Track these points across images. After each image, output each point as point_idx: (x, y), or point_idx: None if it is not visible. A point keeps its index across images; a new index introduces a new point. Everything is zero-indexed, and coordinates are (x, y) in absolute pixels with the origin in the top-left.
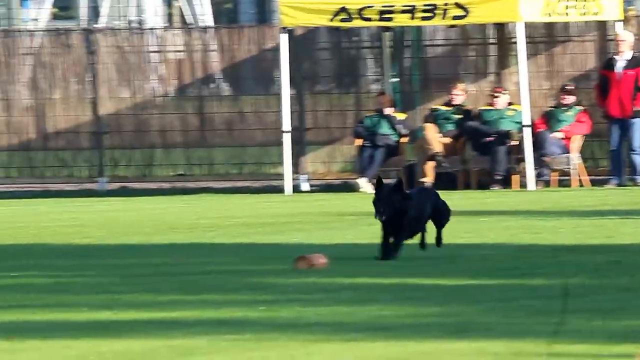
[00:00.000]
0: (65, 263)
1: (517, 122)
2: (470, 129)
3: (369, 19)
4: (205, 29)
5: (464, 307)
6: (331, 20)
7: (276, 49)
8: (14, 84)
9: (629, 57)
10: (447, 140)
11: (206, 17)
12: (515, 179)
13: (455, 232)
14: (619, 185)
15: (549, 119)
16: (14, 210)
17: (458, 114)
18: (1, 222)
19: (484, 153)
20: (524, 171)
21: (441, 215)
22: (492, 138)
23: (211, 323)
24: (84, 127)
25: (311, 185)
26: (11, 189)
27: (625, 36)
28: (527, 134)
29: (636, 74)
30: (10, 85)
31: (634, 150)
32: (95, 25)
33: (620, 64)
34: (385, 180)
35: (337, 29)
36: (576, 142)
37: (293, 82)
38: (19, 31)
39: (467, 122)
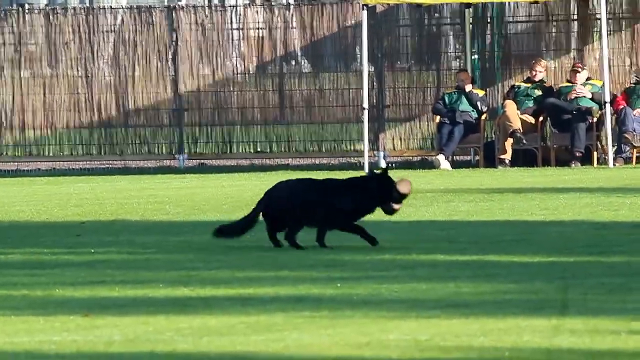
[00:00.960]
0: (143, 239)
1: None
2: (550, 105)
3: None
4: (286, 5)
5: (542, 285)
6: None
7: (357, 26)
8: (95, 61)
9: None
10: (527, 117)
11: None
12: (595, 155)
13: (535, 210)
14: None
15: (630, 95)
16: (93, 186)
17: (539, 91)
18: (81, 198)
19: (563, 130)
20: (604, 148)
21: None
22: (572, 115)
23: (287, 300)
24: (164, 105)
25: (389, 162)
26: (91, 166)
27: None
28: (608, 110)
29: None
30: (91, 62)
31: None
32: (177, 2)
33: None
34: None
35: (418, 5)
36: None
37: (373, 59)
38: (102, 8)
39: (547, 98)
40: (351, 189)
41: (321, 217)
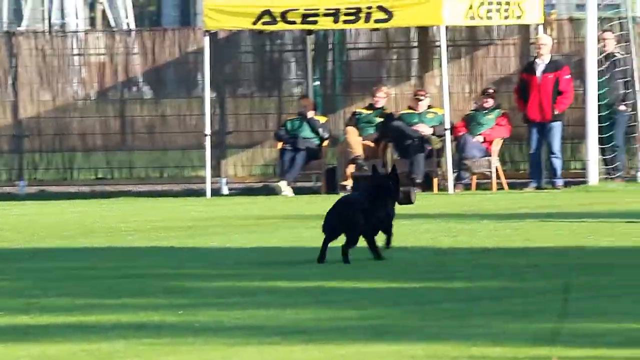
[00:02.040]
0: None
1: (436, 126)
2: (395, 128)
3: (292, 22)
4: (127, 31)
5: (384, 310)
6: (254, 23)
7: (199, 52)
8: None
9: (549, 61)
10: (369, 143)
11: (129, 20)
12: (435, 181)
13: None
14: (538, 188)
15: (470, 122)
16: None
17: (380, 117)
18: None
19: (404, 156)
20: (444, 174)
21: None
22: (413, 141)
23: (129, 327)
24: (4, 131)
25: (231, 189)
26: None
27: (545, 40)
28: (448, 137)
29: (556, 78)
30: None
31: (553, 154)
32: (16, 28)
33: (540, 67)
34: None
35: (260, 32)
36: (496, 146)
37: (215, 86)
38: None
39: (392, 122)
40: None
41: None
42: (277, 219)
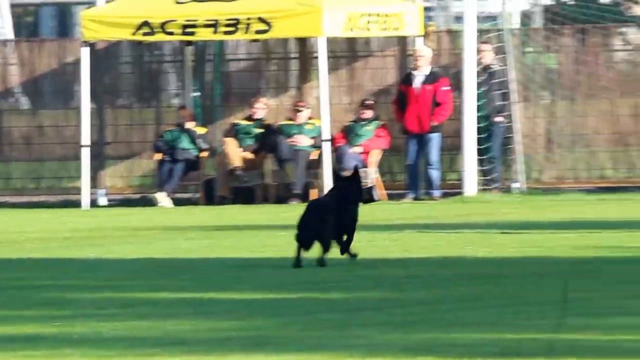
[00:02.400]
0: None
1: (315, 137)
2: (273, 142)
3: (171, 33)
4: (5, 42)
5: (263, 321)
6: (133, 34)
7: (77, 63)
8: None
9: (428, 73)
10: (248, 154)
11: (6, 31)
12: (314, 192)
13: (254, 247)
14: (416, 199)
15: (348, 133)
16: None
17: (259, 129)
18: None
19: (283, 167)
20: (322, 185)
21: None
22: (292, 153)
23: (3, 339)
24: None
25: (109, 200)
26: None
27: (424, 51)
28: (327, 148)
29: (434, 90)
30: None
31: (430, 165)
32: None
33: (418, 79)
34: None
35: (139, 42)
36: (374, 157)
37: (94, 96)
38: None
39: (271, 136)
40: None
41: None
42: (156, 230)
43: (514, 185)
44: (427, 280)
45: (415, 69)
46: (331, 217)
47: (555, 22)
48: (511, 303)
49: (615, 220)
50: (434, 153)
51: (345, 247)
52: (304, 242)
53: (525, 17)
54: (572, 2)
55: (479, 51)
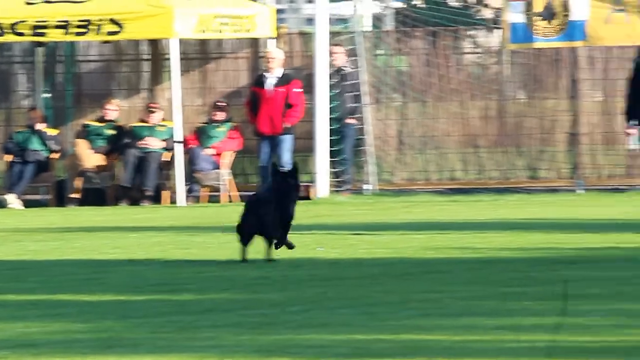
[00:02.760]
0: None
1: (167, 139)
2: (125, 144)
3: (21, 34)
4: None
5: (113, 323)
6: None
7: None
8: None
9: (280, 74)
10: (99, 156)
11: None
12: (166, 194)
13: (105, 249)
14: None
15: (201, 135)
16: None
17: (110, 130)
18: None
19: (135, 169)
20: (174, 187)
21: None
22: (144, 155)
23: None
24: None
25: None
26: None
27: (275, 53)
28: (179, 150)
29: (286, 91)
30: None
31: (283, 167)
32: None
33: (270, 81)
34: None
35: None
36: (227, 158)
37: None
38: None
39: (122, 138)
40: None
41: None
42: (5, 232)
43: (366, 186)
44: (279, 281)
45: (267, 70)
46: (271, 212)
47: (406, 25)
48: (361, 304)
49: (466, 221)
50: (286, 155)
51: (279, 243)
52: (244, 237)
53: (377, 19)
54: (423, 5)
55: (330, 53)
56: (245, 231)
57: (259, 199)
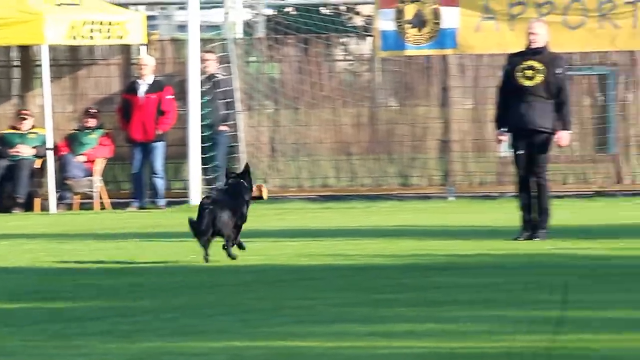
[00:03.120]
0: None
1: (39, 146)
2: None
3: None
4: None
5: None
6: None
7: None
8: None
9: (151, 81)
10: None
11: None
12: (37, 202)
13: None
14: (141, 208)
15: (72, 142)
16: None
17: None
18: None
19: (6, 177)
20: (46, 194)
21: None
22: (15, 162)
23: None
24: None
25: None
26: None
27: (147, 60)
28: (50, 157)
29: (158, 98)
30: None
31: (155, 174)
32: None
33: (142, 87)
34: None
35: None
36: (99, 165)
37: None
38: None
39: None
40: None
41: None
42: None
43: None
44: (151, 288)
45: (139, 77)
46: (225, 213)
47: (278, 32)
48: (235, 311)
49: (338, 228)
50: (159, 162)
51: (231, 242)
52: (201, 238)
53: (249, 26)
54: (295, 12)
55: (202, 60)
56: (202, 232)
57: (213, 200)
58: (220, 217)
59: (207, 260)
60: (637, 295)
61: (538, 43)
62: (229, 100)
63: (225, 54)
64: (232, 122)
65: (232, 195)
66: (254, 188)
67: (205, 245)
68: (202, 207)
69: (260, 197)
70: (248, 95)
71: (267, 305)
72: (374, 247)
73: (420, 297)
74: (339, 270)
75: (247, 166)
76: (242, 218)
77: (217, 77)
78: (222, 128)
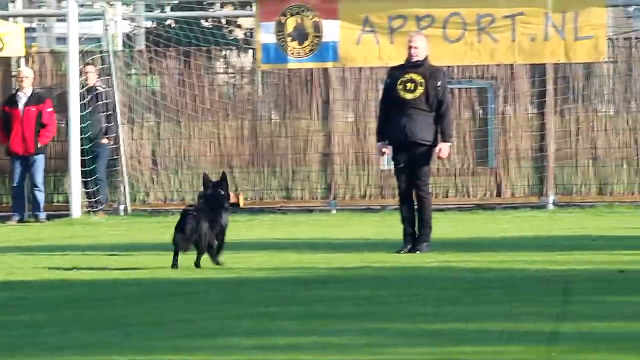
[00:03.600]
0: None
1: None
2: None
3: None
4: None
5: None
6: None
7: None
8: None
9: (31, 94)
10: None
11: None
12: None
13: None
14: (21, 221)
15: None
16: None
17: None
18: None
19: None
20: None
21: None
22: None
23: None
24: None
25: None
26: None
27: (26, 72)
28: None
29: (39, 111)
30: None
31: (36, 187)
32: None
33: (22, 100)
34: None
35: None
36: None
37: None
38: None
39: None
40: None
41: None
42: None
43: (120, 207)
44: (32, 303)
45: (19, 90)
46: (205, 222)
47: (159, 45)
48: (119, 325)
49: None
50: (39, 174)
51: (214, 254)
52: (179, 245)
53: (129, 39)
54: (175, 25)
55: (82, 72)
56: (180, 241)
57: (196, 208)
58: (198, 227)
59: (175, 267)
60: (510, 308)
61: (418, 56)
62: (109, 113)
63: (105, 66)
64: (113, 135)
65: (211, 204)
66: (232, 195)
67: (178, 253)
68: (182, 216)
69: (237, 205)
70: (129, 107)
71: (151, 319)
72: (257, 260)
73: (303, 310)
74: (222, 283)
75: (223, 174)
76: (222, 226)
77: (97, 89)
78: (103, 141)
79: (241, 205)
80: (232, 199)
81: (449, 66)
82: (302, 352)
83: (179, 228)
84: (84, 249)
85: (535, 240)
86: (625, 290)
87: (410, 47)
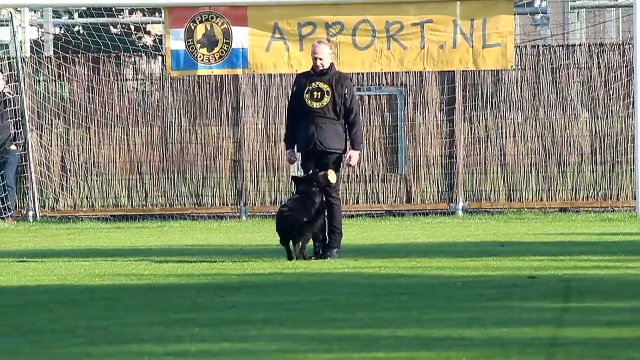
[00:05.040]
0: None
1: None
2: None
3: None
4: None
5: None
6: None
7: None
8: None
9: None
10: None
11: None
12: None
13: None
14: None
15: None
16: None
17: None
18: None
19: None
20: None
21: None
22: None
23: None
24: None
25: None
26: None
27: None
28: None
29: None
30: None
31: None
32: None
33: None
34: None
35: None
36: None
37: None
38: None
39: None
40: None
41: None
42: None
43: (30, 213)
44: None
45: None
46: (308, 218)
47: (67, 51)
48: (28, 332)
49: (131, 248)
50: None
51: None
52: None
53: (37, 45)
54: (84, 31)
55: None
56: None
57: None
58: (300, 225)
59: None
60: (421, 313)
61: (323, 65)
62: (18, 119)
63: (13, 72)
64: (22, 141)
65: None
66: (320, 175)
67: (287, 246)
68: (280, 217)
69: (329, 184)
70: (38, 114)
71: (60, 326)
72: (167, 267)
73: (215, 316)
74: (132, 290)
75: (315, 171)
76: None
77: (6, 95)
78: (12, 147)
79: (332, 182)
80: (322, 181)
81: (358, 73)
82: (214, 358)
83: (280, 228)
84: None
85: (446, 246)
86: (534, 295)
87: (314, 58)
